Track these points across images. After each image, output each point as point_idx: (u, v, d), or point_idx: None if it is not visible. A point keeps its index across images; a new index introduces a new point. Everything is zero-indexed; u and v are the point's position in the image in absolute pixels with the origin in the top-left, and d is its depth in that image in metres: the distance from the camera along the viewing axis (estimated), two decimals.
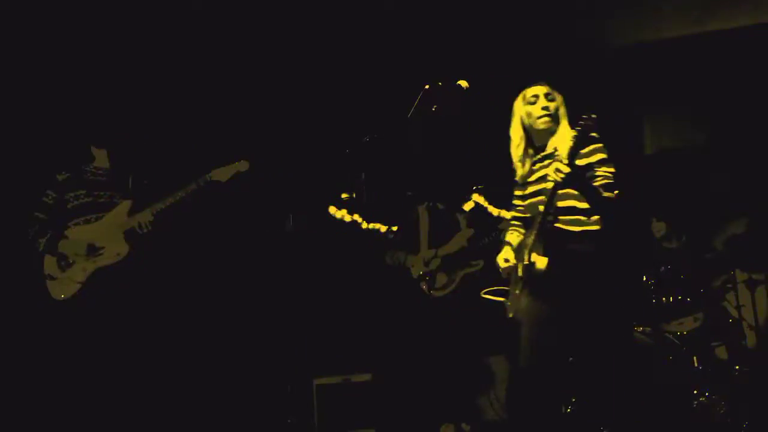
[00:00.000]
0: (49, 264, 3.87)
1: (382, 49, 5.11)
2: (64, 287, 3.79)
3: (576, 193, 3.02)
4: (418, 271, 4.72)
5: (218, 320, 5.26)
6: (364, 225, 5.02)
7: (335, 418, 4.85)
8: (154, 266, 3.97)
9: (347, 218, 5.18)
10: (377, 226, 5.01)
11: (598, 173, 3.00)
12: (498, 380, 4.83)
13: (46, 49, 4.78)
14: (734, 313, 4.54)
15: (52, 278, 3.82)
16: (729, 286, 4.55)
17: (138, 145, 4.17)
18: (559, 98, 3.18)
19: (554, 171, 2.89)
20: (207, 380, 4.99)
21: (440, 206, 4.91)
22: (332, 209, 5.21)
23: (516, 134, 3.25)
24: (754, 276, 4.59)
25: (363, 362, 5.05)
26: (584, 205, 3.04)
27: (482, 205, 4.78)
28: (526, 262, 3.06)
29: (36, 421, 4.18)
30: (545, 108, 3.13)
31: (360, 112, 5.09)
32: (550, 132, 3.17)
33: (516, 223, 3.40)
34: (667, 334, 4.30)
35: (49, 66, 4.85)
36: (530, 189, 3.20)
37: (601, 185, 2.98)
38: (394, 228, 4.87)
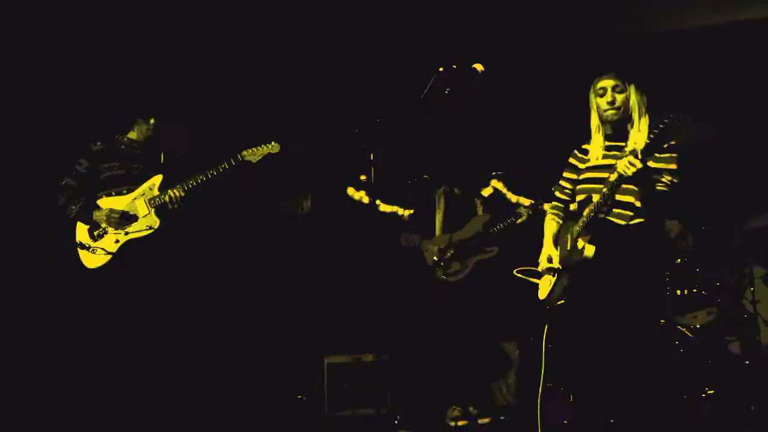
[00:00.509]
0: (81, 232, 3.92)
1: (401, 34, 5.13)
2: (95, 257, 3.84)
3: (636, 189, 3.03)
4: (432, 255, 4.73)
5: (238, 298, 5.34)
6: (382, 207, 5.05)
7: (345, 397, 4.92)
8: (183, 241, 4.01)
9: (365, 200, 5.21)
10: (394, 208, 5.04)
11: (661, 180, 3.01)
12: (509, 366, 4.85)
13: (88, 24, 4.85)
14: (750, 308, 4.50)
15: (84, 247, 3.88)
16: (746, 281, 4.51)
17: (174, 121, 4.23)
18: (630, 89, 3.16)
19: (627, 164, 2.88)
20: (224, 356, 5.08)
21: (457, 191, 4.90)
22: (350, 190, 5.25)
23: (593, 123, 3.27)
24: None
25: (375, 343, 5.10)
26: (638, 204, 3.06)
27: (501, 191, 4.78)
28: (569, 248, 3.12)
29: (58, 386, 4.26)
30: (611, 102, 3.15)
31: (380, 96, 5.10)
32: (625, 122, 3.17)
33: (558, 205, 3.43)
34: (680, 327, 4.28)
35: (89, 41, 4.92)
36: (590, 174, 3.21)
37: (659, 191, 3.00)
38: (410, 211, 4.89)
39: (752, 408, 3.37)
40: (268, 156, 3.93)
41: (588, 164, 3.26)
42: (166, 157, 4.07)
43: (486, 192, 4.87)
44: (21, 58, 4.89)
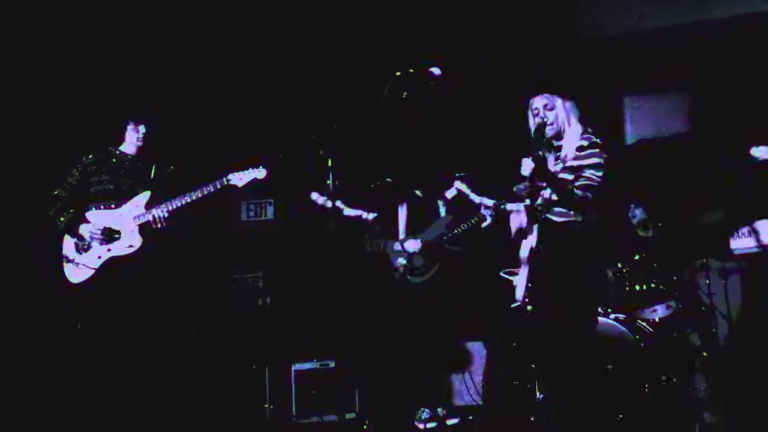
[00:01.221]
0: (68, 245, 3.94)
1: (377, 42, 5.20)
2: (78, 271, 3.86)
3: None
4: (396, 256, 4.75)
5: (207, 309, 5.48)
6: (346, 211, 5.05)
7: (311, 403, 4.91)
8: (162, 261, 4.01)
9: (329, 204, 5.20)
10: (359, 212, 5.04)
11: (583, 176, 3.19)
12: (475, 365, 4.89)
13: (80, 32, 4.94)
14: (707, 301, 4.60)
15: (69, 261, 3.90)
16: (702, 274, 4.60)
17: (160, 135, 4.19)
18: (558, 103, 3.35)
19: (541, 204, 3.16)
20: (192, 368, 5.06)
21: (420, 193, 4.93)
22: (314, 195, 5.24)
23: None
24: (727, 265, 4.65)
25: (341, 348, 5.10)
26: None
27: (464, 192, 4.81)
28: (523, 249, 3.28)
29: (40, 400, 4.33)
30: (544, 118, 3.33)
31: (340, 101, 5.12)
32: (559, 135, 3.36)
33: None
34: (640, 322, 4.35)
35: (85, 49, 5.02)
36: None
37: (582, 185, 3.19)
38: (373, 214, 4.90)
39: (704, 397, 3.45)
40: (254, 180, 3.91)
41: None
42: (157, 172, 4.05)
43: (449, 193, 4.90)
44: (14, 65, 4.91)
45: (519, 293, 3.39)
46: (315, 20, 5.22)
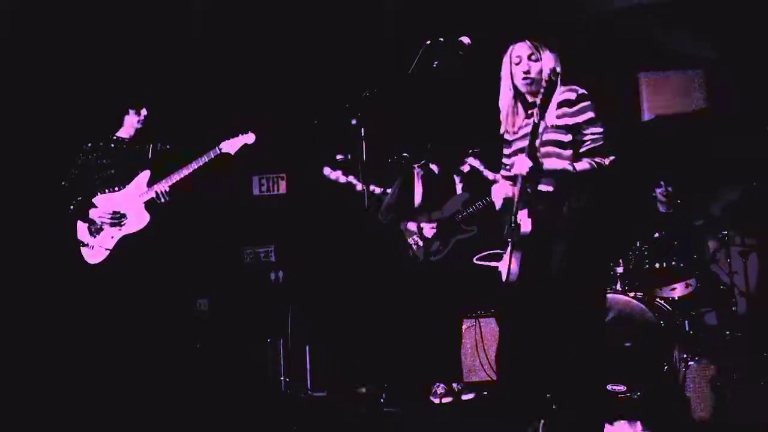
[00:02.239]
0: (81, 230, 4.12)
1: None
2: (95, 253, 4.06)
3: (557, 150, 2.92)
4: (411, 234, 4.71)
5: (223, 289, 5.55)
6: (359, 186, 5.00)
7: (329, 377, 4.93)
8: (174, 234, 4.23)
9: (342, 179, 5.16)
10: (372, 187, 4.99)
11: (586, 136, 2.91)
12: (489, 341, 4.88)
13: (78, 27, 5.05)
14: (726, 279, 4.57)
15: (84, 244, 4.09)
16: (722, 252, 4.57)
17: (157, 117, 4.35)
18: (545, 55, 3.02)
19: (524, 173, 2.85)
20: (214, 343, 5.11)
21: (436, 169, 4.87)
22: (327, 170, 5.20)
23: (505, 94, 3.13)
24: (747, 243, 4.62)
25: (357, 324, 5.10)
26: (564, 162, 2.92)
27: (478, 169, 4.75)
28: (513, 225, 2.99)
29: (63, 379, 4.46)
30: (527, 71, 3.01)
31: (355, 74, 5.05)
32: (539, 92, 2.99)
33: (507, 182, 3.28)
34: (658, 300, 4.32)
35: (82, 41, 5.11)
36: (514, 147, 3.12)
37: (590, 150, 2.90)
38: (389, 190, 4.85)
39: (734, 376, 3.42)
40: (245, 146, 4.07)
41: (512, 136, 3.16)
42: (154, 151, 4.22)
43: (465, 169, 4.84)
44: (15, 60, 5.03)
45: (512, 274, 3.07)
46: None
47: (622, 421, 3.59)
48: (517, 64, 3.04)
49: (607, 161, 2.93)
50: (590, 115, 2.91)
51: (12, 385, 4.58)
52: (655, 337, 3.99)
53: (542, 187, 2.96)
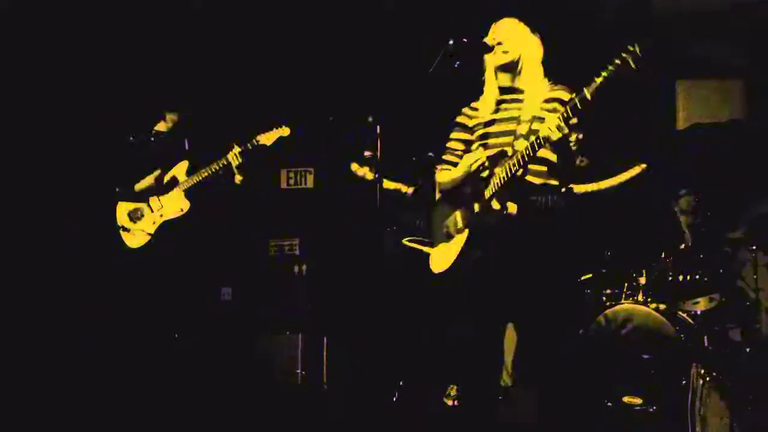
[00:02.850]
0: (122, 216, 4.41)
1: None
2: (136, 238, 4.32)
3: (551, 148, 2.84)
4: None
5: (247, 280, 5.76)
6: (386, 184, 5.01)
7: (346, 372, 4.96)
8: (211, 222, 4.50)
9: (369, 176, 5.17)
10: (398, 185, 5.00)
11: (570, 138, 2.81)
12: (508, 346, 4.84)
13: (117, 28, 5.27)
14: (753, 296, 4.46)
15: (125, 230, 4.36)
16: (749, 268, 4.46)
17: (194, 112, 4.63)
18: (520, 29, 2.99)
19: (554, 127, 2.66)
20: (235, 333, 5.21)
21: None
22: (354, 166, 5.21)
23: (487, 72, 3.06)
24: None
25: (379, 321, 5.10)
26: (553, 159, 2.90)
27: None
28: (477, 209, 2.93)
29: (108, 355, 4.65)
30: (505, 51, 2.96)
31: (382, 73, 5.07)
32: (516, 71, 2.99)
33: (448, 168, 3.18)
34: (681, 313, 4.24)
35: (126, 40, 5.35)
36: (490, 129, 3.01)
37: (572, 151, 2.85)
38: (414, 188, 4.85)
39: (750, 397, 3.34)
40: (280, 138, 4.25)
41: (480, 120, 3.07)
42: (190, 144, 4.48)
43: None
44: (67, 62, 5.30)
45: (446, 262, 3.03)
46: None
47: None
48: (496, 42, 2.98)
49: (585, 163, 2.91)
50: (576, 119, 2.80)
51: (52, 350, 4.83)
52: (674, 351, 3.92)
53: (530, 177, 2.89)
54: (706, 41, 5.24)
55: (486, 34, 3.07)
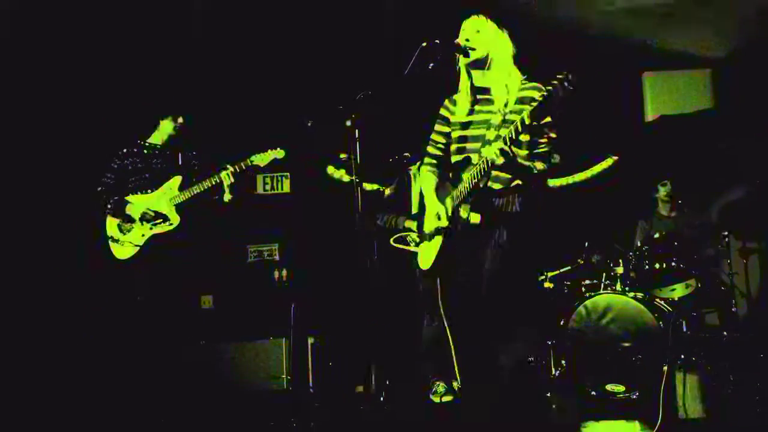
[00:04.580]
0: (111, 227, 4.40)
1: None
2: (124, 249, 4.33)
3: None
4: (415, 234, 4.72)
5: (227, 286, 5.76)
6: (365, 185, 5.02)
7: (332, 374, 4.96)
8: (199, 236, 4.52)
9: (345, 178, 5.17)
10: (376, 186, 5.01)
11: (542, 139, 2.90)
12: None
13: (116, 35, 5.21)
14: (727, 280, 4.56)
15: (114, 240, 4.37)
16: (722, 253, 4.56)
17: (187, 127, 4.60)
18: (487, 26, 3.01)
19: (496, 152, 2.73)
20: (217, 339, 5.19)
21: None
22: (330, 169, 5.22)
23: (461, 71, 3.10)
24: (747, 244, 4.60)
25: (359, 321, 5.12)
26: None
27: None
28: (450, 214, 3.00)
29: (92, 365, 4.75)
30: (471, 47, 2.97)
31: (358, 73, 5.08)
32: (486, 71, 3.00)
33: (432, 161, 3.24)
34: (658, 301, 4.33)
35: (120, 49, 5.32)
36: (463, 132, 3.06)
37: (539, 154, 2.91)
38: (389, 190, 4.87)
39: (730, 377, 3.43)
40: (274, 160, 4.32)
41: (456, 117, 3.11)
42: (183, 159, 4.50)
43: None
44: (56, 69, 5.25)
45: (429, 260, 3.11)
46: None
47: (621, 421, 3.61)
48: (464, 40, 3.00)
49: (543, 167, 2.93)
50: (549, 119, 2.87)
51: (39, 364, 4.84)
52: (653, 338, 4.00)
53: (492, 183, 2.92)
54: (672, 32, 5.34)
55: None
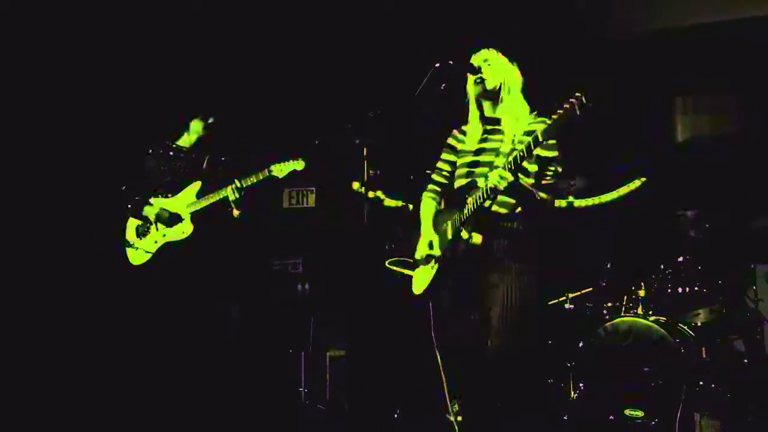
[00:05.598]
0: (130, 231, 4.37)
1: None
2: (138, 255, 4.29)
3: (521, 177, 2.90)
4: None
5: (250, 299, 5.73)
6: (387, 202, 5.05)
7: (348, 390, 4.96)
8: (210, 248, 4.37)
9: (370, 194, 5.20)
10: (400, 203, 5.03)
11: (548, 171, 2.94)
12: None
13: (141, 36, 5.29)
14: (753, 306, 4.45)
15: (130, 245, 4.32)
16: (749, 279, 4.46)
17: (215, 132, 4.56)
18: (497, 59, 3.07)
19: (498, 178, 2.77)
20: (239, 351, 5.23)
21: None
22: (356, 184, 5.25)
23: (470, 103, 3.17)
24: None
25: (374, 337, 5.12)
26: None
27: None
28: (450, 237, 3.03)
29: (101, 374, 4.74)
30: (479, 80, 3.05)
31: (376, 90, 5.14)
32: (496, 101, 3.09)
33: (435, 188, 3.32)
34: (681, 326, 4.24)
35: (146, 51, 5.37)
36: (472, 158, 3.11)
37: (544, 186, 2.95)
38: (411, 206, 4.89)
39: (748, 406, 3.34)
40: (293, 171, 4.22)
41: (465, 146, 3.17)
42: (209, 162, 4.42)
43: None
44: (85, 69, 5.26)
45: (421, 286, 3.16)
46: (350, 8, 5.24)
47: None
48: (473, 73, 3.06)
49: (547, 198, 2.95)
50: (556, 153, 2.93)
51: (50, 365, 4.84)
52: (674, 364, 3.91)
53: (497, 207, 2.97)
54: (703, 55, 5.28)
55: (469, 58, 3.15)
